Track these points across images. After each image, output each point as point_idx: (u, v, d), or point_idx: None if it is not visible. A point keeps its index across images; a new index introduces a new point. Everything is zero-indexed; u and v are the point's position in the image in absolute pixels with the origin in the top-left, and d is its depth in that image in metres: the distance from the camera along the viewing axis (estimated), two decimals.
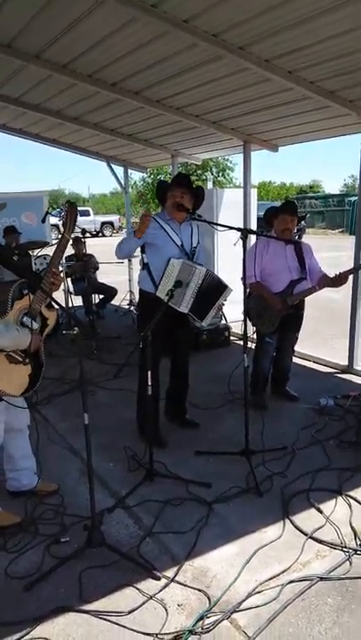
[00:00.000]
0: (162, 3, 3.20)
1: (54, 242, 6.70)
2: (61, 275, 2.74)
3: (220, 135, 5.87)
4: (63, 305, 2.60)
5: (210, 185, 15.28)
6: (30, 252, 7.15)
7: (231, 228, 3.13)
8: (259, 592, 2.30)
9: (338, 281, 3.90)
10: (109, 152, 8.08)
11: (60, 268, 5.48)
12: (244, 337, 3.44)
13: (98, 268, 8.14)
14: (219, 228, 3.24)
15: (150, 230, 3.46)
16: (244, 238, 3.08)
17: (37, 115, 6.25)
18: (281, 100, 4.58)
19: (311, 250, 4.25)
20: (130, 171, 8.97)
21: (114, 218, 32.48)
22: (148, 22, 3.39)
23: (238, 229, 3.09)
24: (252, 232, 3.28)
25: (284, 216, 4.06)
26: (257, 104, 4.82)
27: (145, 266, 3.63)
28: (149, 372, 3.17)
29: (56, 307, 2.64)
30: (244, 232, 3.08)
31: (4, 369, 2.51)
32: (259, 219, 6.90)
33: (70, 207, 2.55)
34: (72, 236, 2.60)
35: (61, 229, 2.60)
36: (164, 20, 3.32)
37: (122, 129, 6.60)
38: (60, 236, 2.58)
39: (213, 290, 3.59)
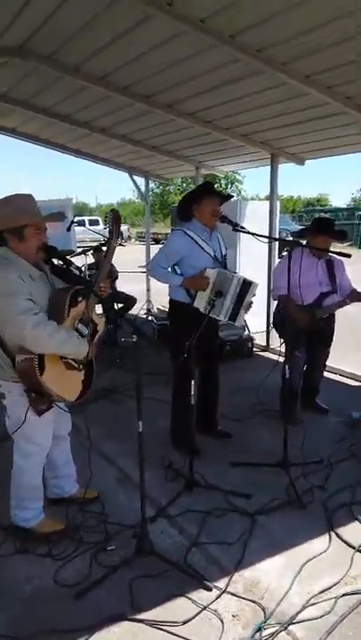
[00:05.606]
0: (210, 17, 3.26)
1: (78, 251, 6.78)
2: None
3: (248, 148, 5.93)
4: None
5: None
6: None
7: (278, 239, 3.16)
8: (313, 604, 2.29)
9: None
10: (133, 163, 8.15)
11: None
12: (287, 349, 3.44)
13: (117, 277, 8.18)
14: (261, 239, 3.26)
15: (183, 246, 3.51)
16: (290, 250, 3.10)
17: (65, 125, 6.32)
18: (315, 114, 4.63)
19: (343, 265, 4.26)
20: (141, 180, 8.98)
21: (123, 227, 32.45)
22: (196, 37, 3.44)
23: (285, 241, 3.11)
24: (301, 244, 3.29)
25: (326, 238, 3.95)
26: (289, 118, 4.87)
27: None
28: (192, 382, 3.18)
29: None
30: (292, 244, 3.09)
31: (63, 375, 2.53)
32: (279, 231, 6.94)
33: (115, 215, 2.60)
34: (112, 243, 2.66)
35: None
36: (211, 35, 3.38)
37: (148, 140, 6.67)
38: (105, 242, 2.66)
39: (244, 291, 3.58)
